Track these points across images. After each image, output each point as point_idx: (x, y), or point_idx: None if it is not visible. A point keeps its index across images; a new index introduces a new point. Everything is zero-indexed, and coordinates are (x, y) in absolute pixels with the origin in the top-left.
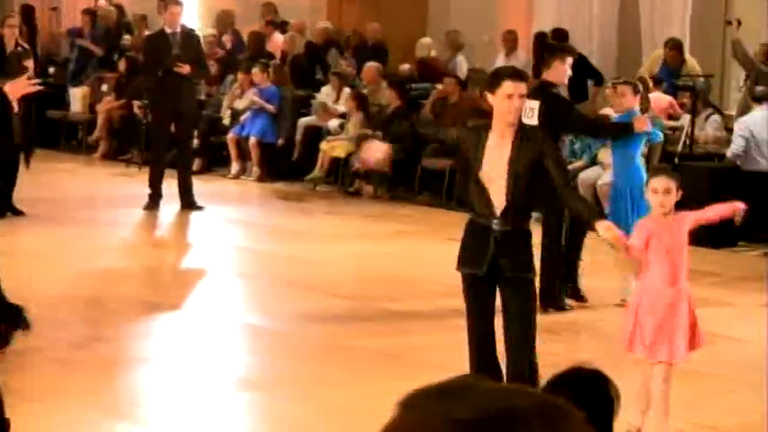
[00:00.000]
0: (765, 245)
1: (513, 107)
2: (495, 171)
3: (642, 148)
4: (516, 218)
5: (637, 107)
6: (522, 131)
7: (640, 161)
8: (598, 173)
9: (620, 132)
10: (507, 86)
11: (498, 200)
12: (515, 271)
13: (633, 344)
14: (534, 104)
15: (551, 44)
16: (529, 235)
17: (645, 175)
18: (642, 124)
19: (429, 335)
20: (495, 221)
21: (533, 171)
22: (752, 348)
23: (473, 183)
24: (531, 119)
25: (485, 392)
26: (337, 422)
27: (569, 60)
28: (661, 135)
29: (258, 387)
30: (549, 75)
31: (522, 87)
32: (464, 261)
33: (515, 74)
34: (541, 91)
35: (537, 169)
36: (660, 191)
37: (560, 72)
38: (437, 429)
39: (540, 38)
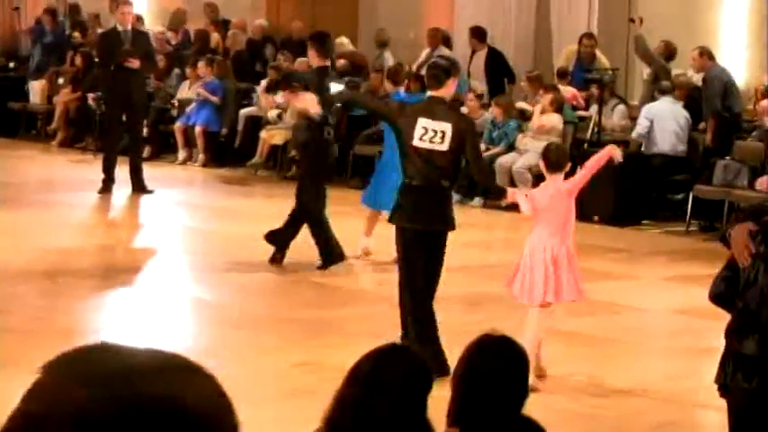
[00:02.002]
0: (667, 223)
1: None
2: None
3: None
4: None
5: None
6: None
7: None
8: (514, 158)
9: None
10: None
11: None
12: None
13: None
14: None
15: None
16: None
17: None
18: None
19: (359, 306)
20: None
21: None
22: (653, 317)
23: None
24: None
25: (115, 353)
26: (275, 386)
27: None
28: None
29: (203, 355)
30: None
31: None
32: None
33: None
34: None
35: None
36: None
37: None
38: (63, 388)
39: (474, 32)
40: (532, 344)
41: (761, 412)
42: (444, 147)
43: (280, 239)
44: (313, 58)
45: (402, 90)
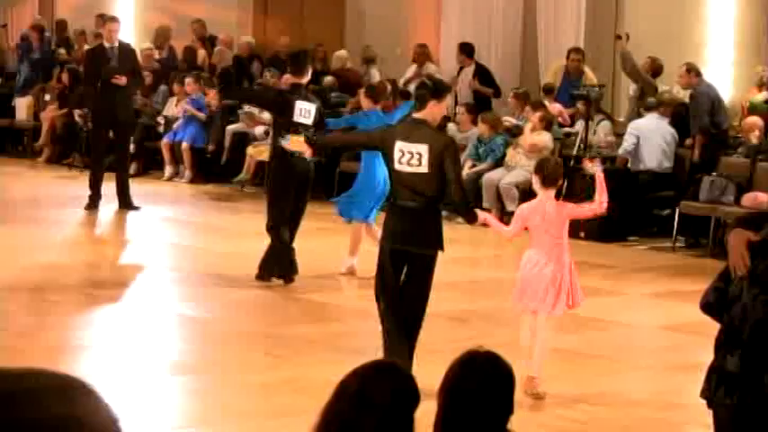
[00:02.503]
0: (654, 239)
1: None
2: None
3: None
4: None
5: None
6: None
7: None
8: (501, 174)
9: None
10: (448, 98)
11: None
12: None
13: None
14: (311, 107)
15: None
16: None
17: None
18: None
19: (345, 322)
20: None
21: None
22: (639, 333)
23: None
24: (308, 119)
25: (14, 376)
26: (261, 402)
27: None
28: None
29: (190, 371)
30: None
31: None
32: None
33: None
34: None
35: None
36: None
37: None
38: None
39: (463, 48)
40: (546, 351)
41: (742, 429)
42: (424, 169)
43: (276, 263)
44: (288, 76)
45: (379, 108)
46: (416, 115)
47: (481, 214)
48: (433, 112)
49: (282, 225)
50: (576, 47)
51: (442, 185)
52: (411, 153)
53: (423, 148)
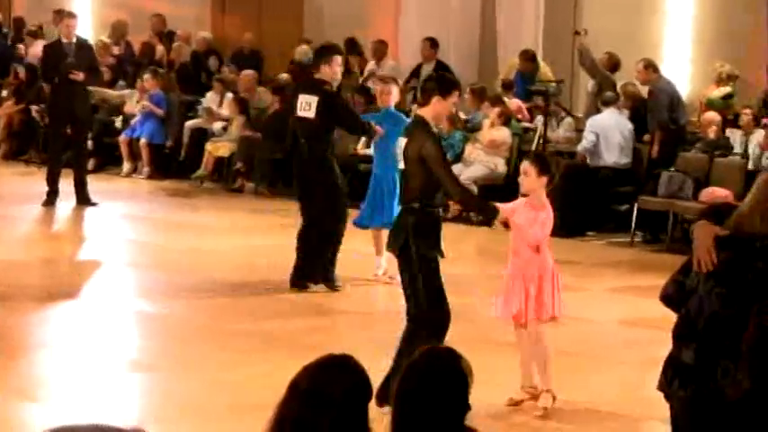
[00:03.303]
0: (612, 234)
1: (451, 112)
2: None
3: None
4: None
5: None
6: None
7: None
8: (460, 169)
9: (364, 130)
10: (456, 96)
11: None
12: None
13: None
14: (312, 99)
15: (323, 46)
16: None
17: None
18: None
19: (305, 318)
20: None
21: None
22: (599, 328)
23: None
24: (309, 112)
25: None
26: (221, 399)
27: (338, 60)
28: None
29: (149, 367)
30: (322, 74)
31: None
32: (436, 246)
33: (460, 86)
34: (317, 88)
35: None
36: (521, 172)
37: (332, 71)
38: None
39: (429, 42)
40: (550, 359)
41: (696, 421)
42: (402, 165)
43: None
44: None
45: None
46: (418, 111)
47: (502, 208)
48: (435, 109)
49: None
50: (526, 49)
51: (420, 185)
52: (401, 149)
53: (404, 144)
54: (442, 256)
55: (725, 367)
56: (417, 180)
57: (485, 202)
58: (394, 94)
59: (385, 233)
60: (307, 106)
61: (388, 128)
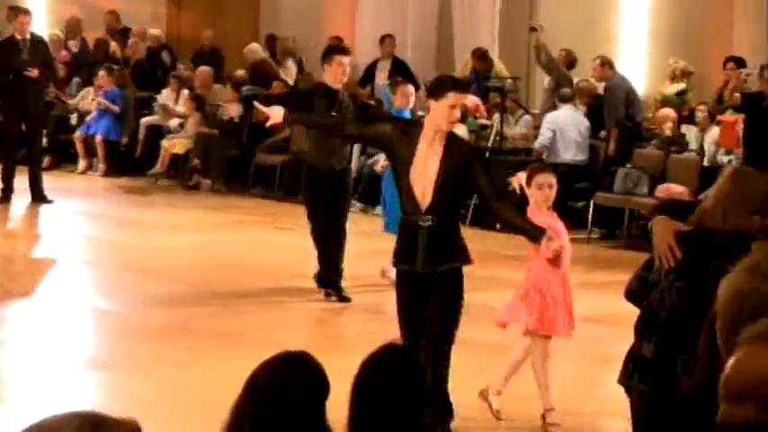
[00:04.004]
0: (568, 231)
1: (453, 117)
2: (423, 171)
3: None
4: (442, 216)
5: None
6: (451, 137)
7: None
8: None
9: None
10: (452, 97)
11: (424, 198)
12: (444, 264)
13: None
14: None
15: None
16: (454, 229)
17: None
18: None
19: (263, 315)
20: (422, 219)
21: (460, 175)
22: None
23: (403, 181)
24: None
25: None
26: (178, 397)
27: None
28: None
29: (105, 366)
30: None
31: (463, 98)
32: (399, 257)
33: (459, 86)
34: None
35: (463, 174)
36: (545, 185)
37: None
38: None
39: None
40: (547, 371)
41: (654, 415)
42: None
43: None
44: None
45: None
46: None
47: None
48: (431, 112)
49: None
50: (478, 47)
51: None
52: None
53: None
54: (412, 267)
55: (684, 361)
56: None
57: (532, 223)
58: (412, 96)
59: None
60: None
61: None
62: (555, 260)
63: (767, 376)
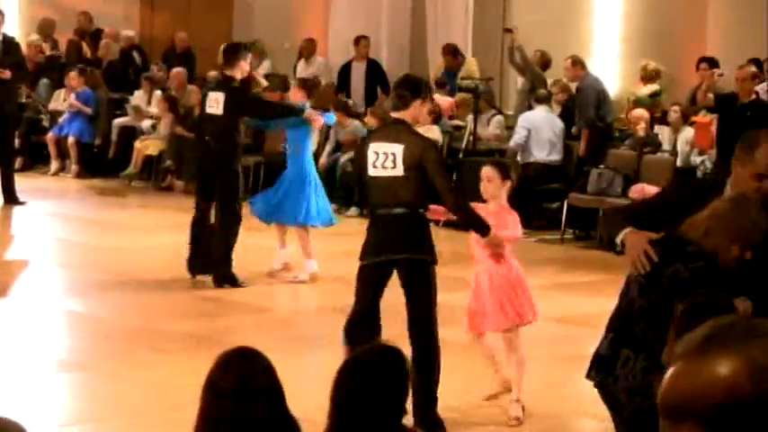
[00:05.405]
0: (542, 231)
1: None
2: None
3: (312, 141)
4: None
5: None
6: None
7: (310, 152)
8: None
9: (290, 112)
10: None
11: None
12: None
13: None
14: (219, 96)
15: (232, 45)
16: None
17: (313, 165)
18: (312, 115)
19: (234, 318)
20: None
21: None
22: (530, 325)
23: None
24: (217, 109)
25: None
26: (150, 398)
27: (249, 58)
28: (332, 119)
29: (77, 368)
30: (233, 72)
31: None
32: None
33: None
34: (225, 85)
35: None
36: (483, 178)
37: (243, 68)
38: None
39: (357, 41)
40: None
41: (610, 408)
42: (399, 171)
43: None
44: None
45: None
46: (396, 115)
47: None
48: (414, 112)
49: None
50: (448, 43)
51: (421, 191)
52: (386, 154)
53: (398, 149)
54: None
55: (625, 357)
56: (418, 185)
57: (481, 219)
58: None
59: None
60: (214, 103)
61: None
62: (496, 256)
63: (704, 393)
